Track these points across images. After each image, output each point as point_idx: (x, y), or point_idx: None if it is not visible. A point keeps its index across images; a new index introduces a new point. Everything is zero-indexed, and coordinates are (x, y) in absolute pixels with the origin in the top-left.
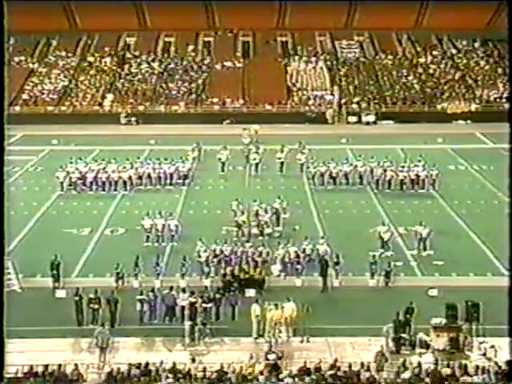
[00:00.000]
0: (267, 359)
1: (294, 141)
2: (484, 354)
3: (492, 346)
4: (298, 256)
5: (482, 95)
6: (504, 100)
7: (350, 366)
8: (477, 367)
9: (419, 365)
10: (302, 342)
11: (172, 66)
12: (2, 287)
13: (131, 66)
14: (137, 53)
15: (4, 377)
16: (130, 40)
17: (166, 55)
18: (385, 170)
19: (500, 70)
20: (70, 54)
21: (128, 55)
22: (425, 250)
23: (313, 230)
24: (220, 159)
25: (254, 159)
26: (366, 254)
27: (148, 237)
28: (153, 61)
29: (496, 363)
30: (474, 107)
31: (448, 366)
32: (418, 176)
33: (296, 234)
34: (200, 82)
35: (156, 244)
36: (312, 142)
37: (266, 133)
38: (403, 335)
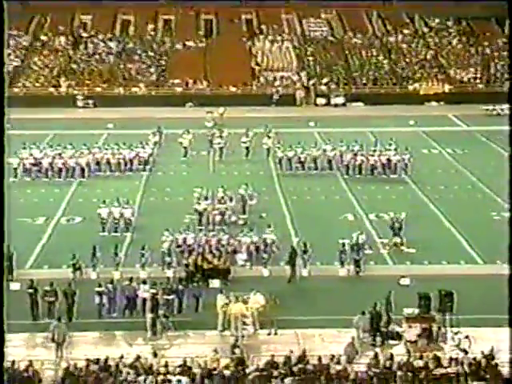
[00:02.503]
0: (233, 353)
1: (259, 124)
2: (458, 345)
3: (466, 337)
4: (265, 245)
5: (456, 76)
6: (478, 81)
7: (319, 359)
8: (450, 359)
9: (391, 357)
10: (269, 334)
11: (131, 45)
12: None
13: (87, 45)
14: (93, 32)
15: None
16: (85, 18)
17: (124, 34)
18: (355, 155)
19: (473, 50)
20: (22, 32)
21: (84, 34)
22: (398, 237)
23: (280, 217)
24: (182, 144)
25: (218, 144)
26: (336, 242)
27: (104, 226)
28: (110, 40)
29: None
30: (447, 88)
31: (421, 357)
32: (389, 160)
33: (263, 221)
34: (161, 62)
35: (114, 233)
36: (279, 126)
37: (230, 116)
38: (382, 327)
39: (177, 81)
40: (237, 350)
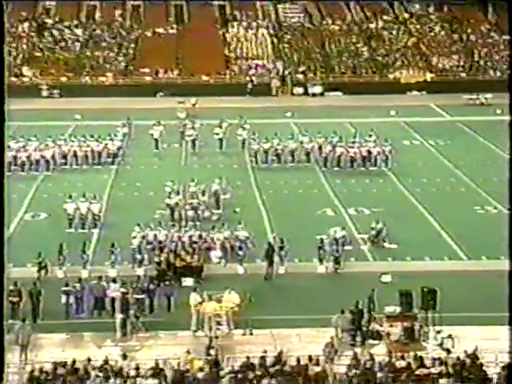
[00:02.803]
0: (208, 354)
1: (234, 115)
2: (441, 345)
3: (449, 336)
4: (244, 241)
5: (438, 64)
6: (461, 69)
7: (298, 360)
8: (433, 359)
9: (371, 357)
10: (244, 334)
11: (98, 32)
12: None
13: (52, 32)
14: (57, 18)
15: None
16: (49, 4)
17: (90, 21)
18: (333, 146)
19: (456, 37)
20: None
21: (48, 21)
22: (378, 238)
23: (256, 212)
24: (153, 136)
25: (191, 135)
26: (314, 238)
27: (71, 222)
28: (76, 27)
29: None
30: (428, 77)
31: (402, 357)
32: (369, 152)
33: (237, 217)
34: (129, 50)
35: (82, 230)
36: (254, 116)
37: (203, 106)
38: (363, 326)
39: (146, 69)
40: (212, 351)
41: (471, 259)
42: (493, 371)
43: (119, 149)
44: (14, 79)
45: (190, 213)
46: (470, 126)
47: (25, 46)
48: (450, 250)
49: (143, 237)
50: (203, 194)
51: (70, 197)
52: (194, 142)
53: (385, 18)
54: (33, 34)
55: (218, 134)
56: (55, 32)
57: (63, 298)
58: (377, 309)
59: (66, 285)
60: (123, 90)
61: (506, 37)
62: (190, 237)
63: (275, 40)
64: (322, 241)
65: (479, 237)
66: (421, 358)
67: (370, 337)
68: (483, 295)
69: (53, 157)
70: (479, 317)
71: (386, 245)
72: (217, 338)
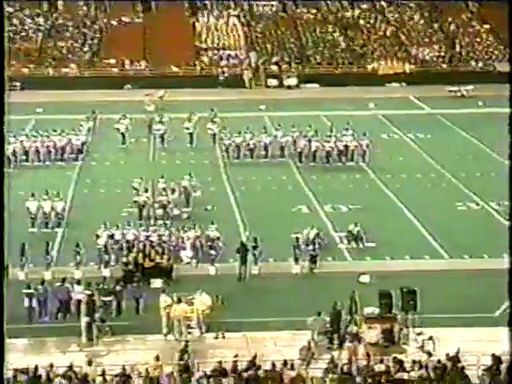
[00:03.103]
0: (182, 359)
1: (204, 108)
2: (422, 347)
3: (430, 338)
4: (211, 240)
5: (418, 54)
6: (441, 59)
7: (273, 365)
8: (413, 362)
9: (349, 361)
10: (216, 338)
11: (60, 21)
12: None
13: (12, 21)
14: (18, 6)
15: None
16: None
17: (52, 9)
18: (309, 141)
19: (436, 26)
20: None
21: (8, 9)
22: (357, 242)
23: (228, 209)
24: (119, 130)
25: (159, 130)
26: (289, 237)
27: (33, 221)
28: (38, 16)
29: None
30: (408, 68)
31: (381, 361)
32: (346, 147)
33: (208, 215)
34: (94, 40)
35: (45, 229)
36: (225, 109)
37: (172, 99)
38: (341, 329)
39: (112, 60)
40: (185, 356)
41: (453, 258)
42: (474, 374)
43: (84, 144)
44: None
45: (159, 211)
46: (451, 119)
47: None
48: (430, 248)
49: (110, 236)
50: (173, 191)
51: (33, 195)
52: (162, 136)
53: (362, 6)
54: None
55: (187, 128)
56: (16, 21)
57: (25, 301)
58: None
59: (29, 287)
60: (88, 82)
61: (487, 26)
62: (159, 236)
63: (247, 29)
64: (297, 239)
65: (461, 235)
66: (400, 361)
67: (347, 339)
68: (466, 295)
69: (14, 153)
70: (461, 318)
71: (363, 241)
72: (187, 341)
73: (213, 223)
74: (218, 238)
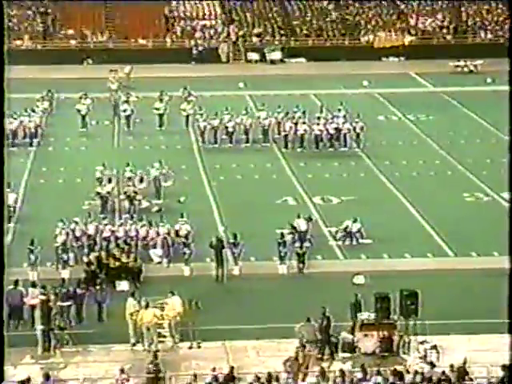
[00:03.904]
0: (149, 372)
1: (176, 86)
2: (424, 357)
3: (434, 347)
4: (185, 237)
5: (418, 24)
6: (446, 30)
7: (257, 378)
8: (415, 373)
9: (342, 373)
10: (191, 347)
11: None
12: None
13: None
14: None
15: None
16: None
17: None
18: (295, 123)
19: None
20: None
21: None
22: (351, 238)
23: (203, 202)
24: (79, 111)
25: (125, 111)
26: (273, 233)
27: None
28: None
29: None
30: (407, 40)
31: (379, 373)
32: (338, 130)
33: (182, 207)
34: (49, 9)
35: None
36: (200, 87)
37: (139, 75)
38: (332, 337)
39: (70, 32)
40: (156, 368)
41: (459, 256)
42: None
43: (38, 127)
44: None
45: (126, 203)
46: (457, 98)
47: None
48: (434, 245)
49: (69, 232)
50: (141, 180)
51: None
52: (128, 118)
53: None
54: None
55: (157, 108)
56: None
57: None
58: (339, 314)
59: None
60: (43, 56)
61: None
62: (126, 232)
63: None
64: (282, 235)
65: (469, 229)
66: (400, 373)
67: (340, 349)
68: (473, 298)
69: None
70: (469, 324)
71: (359, 241)
72: (158, 351)
73: (182, 216)
74: (189, 233)
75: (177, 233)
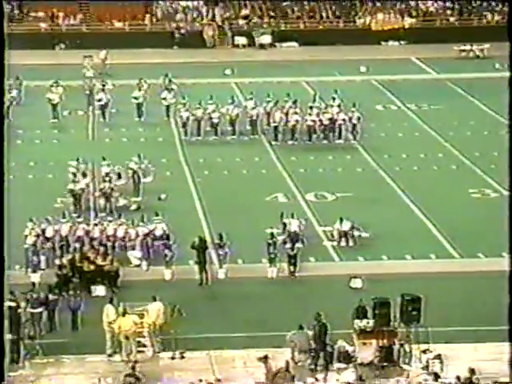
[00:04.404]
0: None
1: (156, 73)
2: (427, 368)
3: (437, 357)
4: (167, 237)
5: (419, 5)
6: (449, 12)
7: None
8: None
9: None
10: (173, 358)
11: None
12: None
13: None
14: None
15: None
16: None
17: None
18: (286, 114)
19: None
20: None
21: None
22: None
23: (186, 199)
24: (51, 100)
25: (100, 100)
26: (262, 233)
27: None
28: None
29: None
30: (408, 22)
31: None
32: (332, 120)
33: (163, 205)
34: None
35: None
36: (183, 74)
37: (116, 62)
38: (328, 346)
39: (41, 14)
40: (132, 380)
41: (465, 257)
42: None
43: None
44: None
45: (101, 201)
46: (463, 86)
47: None
48: (437, 245)
49: (39, 233)
50: (118, 176)
51: None
52: (104, 108)
53: None
54: None
55: (136, 97)
56: None
57: None
58: (334, 321)
59: None
60: (10, 40)
61: None
62: (102, 232)
63: None
64: (272, 235)
65: (475, 229)
66: None
67: (336, 359)
68: (480, 304)
69: None
70: (475, 332)
71: (356, 233)
72: (136, 362)
73: (157, 214)
74: (165, 233)
75: (152, 232)
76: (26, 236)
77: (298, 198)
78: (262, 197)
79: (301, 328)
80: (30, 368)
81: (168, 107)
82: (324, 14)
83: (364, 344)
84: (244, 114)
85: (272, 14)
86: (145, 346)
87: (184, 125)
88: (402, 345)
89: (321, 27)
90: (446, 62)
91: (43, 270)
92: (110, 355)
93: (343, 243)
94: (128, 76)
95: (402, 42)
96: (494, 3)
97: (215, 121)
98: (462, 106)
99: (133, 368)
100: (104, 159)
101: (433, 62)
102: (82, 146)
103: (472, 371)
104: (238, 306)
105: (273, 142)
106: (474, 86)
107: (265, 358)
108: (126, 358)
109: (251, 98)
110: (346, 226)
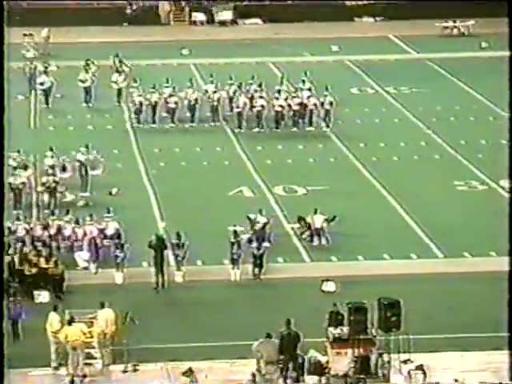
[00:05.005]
0: None
1: (106, 53)
2: (409, 379)
3: (420, 367)
4: (118, 236)
5: None
6: None
7: None
8: None
9: None
10: (125, 371)
11: None
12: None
13: None
14: None
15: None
16: None
17: None
18: (251, 98)
19: None
20: None
21: None
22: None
23: (140, 194)
24: None
25: (43, 83)
26: (224, 230)
27: None
28: None
29: None
30: None
31: None
32: (302, 106)
33: (114, 201)
34: None
35: None
36: (136, 55)
37: (60, 40)
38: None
39: None
40: None
41: (449, 257)
42: None
43: None
44: None
45: (45, 196)
46: (446, 66)
47: None
48: (419, 244)
49: None
50: (63, 169)
51: None
52: (47, 92)
53: None
54: None
55: (83, 81)
56: None
57: None
58: (305, 328)
59: None
60: None
61: None
62: (45, 230)
63: None
64: (235, 234)
65: (461, 225)
66: None
67: (306, 370)
68: (467, 308)
69: None
70: (461, 339)
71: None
72: (85, 377)
73: (109, 211)
74: (117, 235)
75: (102, 231)
76: None
77: (264, 191)
78: (225, 191)
79: (268, 336)
80: None
81: (119, 91)
82: None
83: (338, 354)
84: (204, 99)
85: None
86: (94, 357)
87: (137, 111)
88: (380, 354)
89: (288, 2)
90: (428, 40)
91: None
92: (55, 368)
93: (315, 242)
94: (74, 56)
95: (378, 19)
96: None
97: (172, 106)
98: (445, 89)
99: (72, 381)
100: (49, 150)
101: (413, 41)
102: (23, 134)
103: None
104: (197, 313)
105: (236, 130)
106: (458, 66)
107: (190, 372)
108: (73, 371)
109: (212, 81)
110: (318, 221)
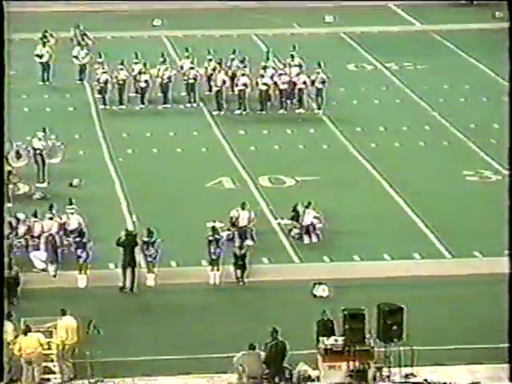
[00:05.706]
0: None
1: (66, 24)
2: None
3: (424, 382)
4: (80, 234)
5: None
6: None
7: None
8: None
9: None
10: None
11: None
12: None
13: None
14: None
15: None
16: None
17: None
18: (232, 76)
19: None
20: None
21: None
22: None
23: (105, 185)
24: None
25: None
26: (202, 227)
27: None
28: None
29: None
30: None
31: None
32: (291, 84)
33: (75, 193)
34: None
35: None
36: (100, 27)
37: (15, 10)
38: (286, 369)
39: None
40: None
41: (458, 257)
42: None
43: None
44: None
45: None
46: (454, 40)
47: None
48: (424, 242)
49: None
50: (17, 156)
51: None
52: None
53: None
54: None
55: (40, 55)
56: None
57: None
58: (293, 338)
59: None
60: None
61: None
62: None
63: None
64: (214, 230)
65: (471, 221)
66: None
67: None
68: (477, 315)
69: None
70: (470, 350)
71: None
72: None
73: (71, 203)
74: (79, 232)
75: (63, 227)
76: None
77: (247, 182)
78: (203, 182)
79: (251, 348)
80: None
81: (81, 68)
82: None
83: (331, 367)
84: (179, 77)
85: None
86: (52, 372)
87: (102, 90)
88: (379, 368)
89: None
90: (433, 10)
91: None
92: (8, 383)
93: (306, 240)
94: (29, 28)
95: None
96: None
97: (142, 85)
98: (453, 66)
99: None
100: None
101: (416, 10)
102: None
103: None
104: (171, 321)
105: (215, 112)
106: (467, 40)
107: None
108: None
109: (188, 57)
110: (309, 217)
